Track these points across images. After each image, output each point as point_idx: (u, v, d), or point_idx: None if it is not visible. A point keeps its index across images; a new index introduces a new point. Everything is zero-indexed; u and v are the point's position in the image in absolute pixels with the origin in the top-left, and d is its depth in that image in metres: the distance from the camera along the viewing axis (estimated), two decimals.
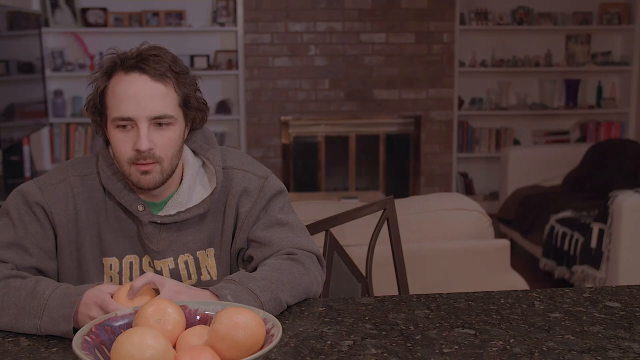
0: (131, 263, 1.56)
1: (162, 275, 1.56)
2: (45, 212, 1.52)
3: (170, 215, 1.54)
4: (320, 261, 1.61)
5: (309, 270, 1.55)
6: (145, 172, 1.47)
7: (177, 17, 5.66)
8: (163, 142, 1.47)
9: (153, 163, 1.47)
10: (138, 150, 1.45)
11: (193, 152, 1.62)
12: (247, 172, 1.61)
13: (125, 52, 1.48)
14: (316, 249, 1.61)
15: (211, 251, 1.60)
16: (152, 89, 1.45)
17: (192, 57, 5.72)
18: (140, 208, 1.53)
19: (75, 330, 1.31)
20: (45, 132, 5.59)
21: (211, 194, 1.57)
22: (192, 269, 1.58)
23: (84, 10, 5.57)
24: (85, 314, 1.33)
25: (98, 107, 1.49)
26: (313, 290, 1.55)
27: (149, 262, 1.56)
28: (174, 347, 1.15)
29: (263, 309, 1.37)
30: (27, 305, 1.37)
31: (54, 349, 1.30)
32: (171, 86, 1.47)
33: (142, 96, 1.44)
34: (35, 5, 5.45)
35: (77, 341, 1.09)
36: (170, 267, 1.56)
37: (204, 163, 1.62)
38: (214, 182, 1.58)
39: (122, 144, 1.47)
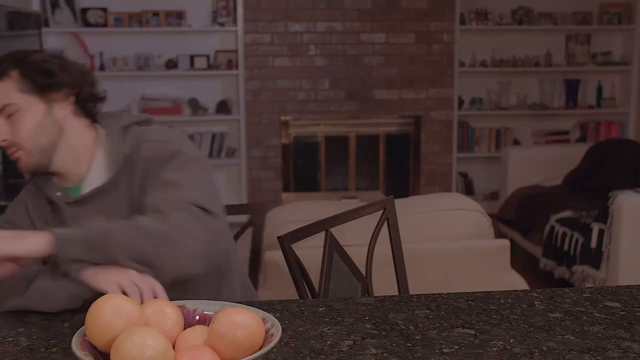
0: None
1: None
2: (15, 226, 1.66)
3: (83, 195, 1.61)
4: (207, 209, 1.49)
5: (169, 221, 1.44)
6: (17, 159, 1.60)
7: (177, 17, 5.66)
8: (16, 130, 1.57)
9: (17, 150, 1.59)
10: None
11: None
12: (154, 141, 1.60)
13: None
14: (196, 199, 1.49)
15: None
16: None
17: (192, 57, 5.72)
18: (59, 194, 1.65)
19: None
20: None
21: (116, 173, 1.59)
22: None
23: (84, 10, 5.58)
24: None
25: None
26: (177, 238, 1.43)
27: None
28: (173, 347, 1.15)
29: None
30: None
31: (54, 349, 1.30)
32: (12, 76, 1.57)
33: None
34: (35, 5, 5.45)
35: (76, 341, 1.09)
36: None
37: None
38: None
39: None
